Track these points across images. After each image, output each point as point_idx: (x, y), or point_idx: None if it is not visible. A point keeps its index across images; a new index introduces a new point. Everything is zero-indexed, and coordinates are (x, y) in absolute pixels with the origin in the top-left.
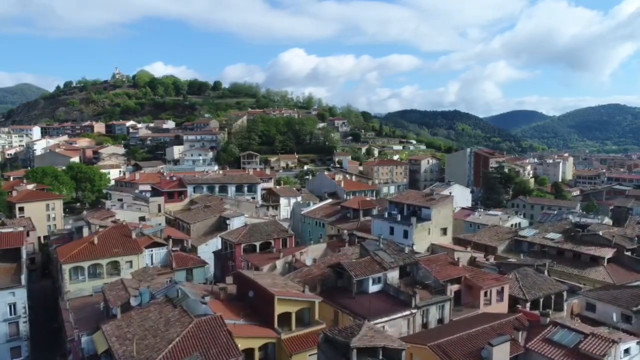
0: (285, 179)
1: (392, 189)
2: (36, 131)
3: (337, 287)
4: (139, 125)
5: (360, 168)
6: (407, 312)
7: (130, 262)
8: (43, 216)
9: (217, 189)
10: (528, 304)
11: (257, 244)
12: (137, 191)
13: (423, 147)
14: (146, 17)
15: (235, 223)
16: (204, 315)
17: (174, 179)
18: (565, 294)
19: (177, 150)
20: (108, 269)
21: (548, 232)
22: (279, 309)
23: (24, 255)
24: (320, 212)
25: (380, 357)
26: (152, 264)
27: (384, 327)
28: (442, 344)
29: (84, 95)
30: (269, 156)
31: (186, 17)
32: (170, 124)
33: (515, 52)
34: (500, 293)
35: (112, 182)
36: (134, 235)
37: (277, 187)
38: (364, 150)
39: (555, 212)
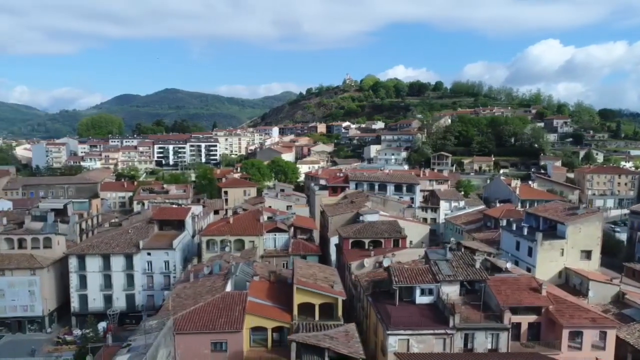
0: (465, 182)
1: (610, 202)
2: (275, 131)
3: (387, 292)
4: (353, 126)
5: (571, 175)
6: (441, 331)
7: (253, 242)
8: (241, 199)
9: (377, 187)
10: None
11: (366, 240)
12: (313, 184)
13: None
14: (391, 24)
15: (368, 219)
16: (242, 290)
17: (341, 175)
18: None
19: (373, 149)
20: (236, 245)
21: None
22: (299, 299)
23: (186, 226)
24: (463, 218)
25: (326, 358)
26: (274, 246)
27: (408, 340)
28: None
29: (318, 100)
30: (463, 158)
31: (429, 18)
32: (379, 125)
33: None
34: (602, 339)
35: (302, 176)
36: (261, 220)
37: (441, 189)
38: (582, 154)
39: None
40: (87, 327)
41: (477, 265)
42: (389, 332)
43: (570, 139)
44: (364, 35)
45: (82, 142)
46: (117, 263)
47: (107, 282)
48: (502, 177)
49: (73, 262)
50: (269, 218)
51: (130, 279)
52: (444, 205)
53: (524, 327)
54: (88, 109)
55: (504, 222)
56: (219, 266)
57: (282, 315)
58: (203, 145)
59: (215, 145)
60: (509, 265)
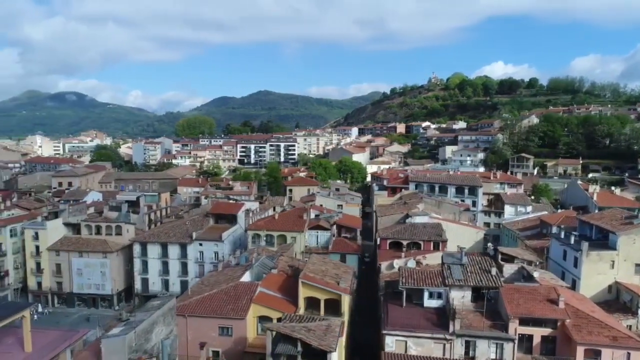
0: (542, 186)
1: None
2: (354, 131)
3: (400, 293)
4: (432, 126)
5: None
6: (440, 336)
7: (295, 237)
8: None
9: (437, 189)
10: None
11: (405, 242)
12: (374, 184)
13: None
14: (489, 17)
15: (416, 221)
16: (257, 280)
17: (402, 176)
18: None
19: (449, 150)
20: (279, 240)
21: None
22: (304, 292)
23: (238, 220)
24: (520, 224)
25: (299, 348)
26: (316, 243)
27: (406, 342)
28: None
29: (401, 100)
30: (547, 160)
31: (532, 10)
32: (460, 125)
33: None
34: None
35: (369, 176)
36: (304, 217)
37: (507, 193)
38: None
39: None
40: None
41: (493, 272)
42: (384, 331)
43: None
44: (458, 32)
45: (176, 141)
46: (174, 251)
47: (165, 269)
48: (579, 182)
49: (137, 249)
50: (316, 216)
51: (184, 267)
52: (508, 209)
53: (537, 340)
54: (190, 111)
55: (554, 229)
56: (245, 258)
57: (287, 307)
58: (282, 145)
59: (294, 145)
60: (536, 274)
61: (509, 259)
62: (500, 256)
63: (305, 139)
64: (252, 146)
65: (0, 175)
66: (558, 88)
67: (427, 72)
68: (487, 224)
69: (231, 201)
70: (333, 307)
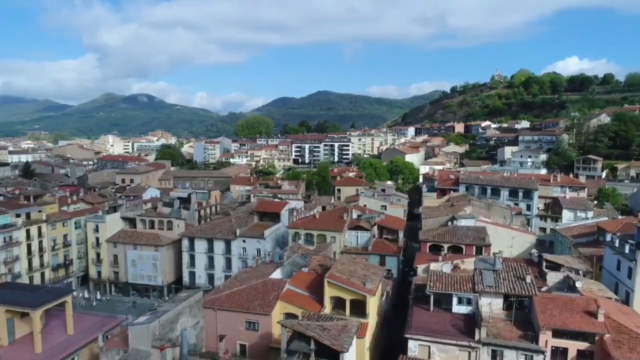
0: (608, 190)
1: None
2: (410, 131)
3: (429, 296)
4: (493, 126)
5: None
6: (465, 343)
7: (334, 237)
8: None
9: (489, 191)
10: None
11: (445, 245)
12: (424, 186)
13: None
14: (562, 10)
15: (462, 224)
16: (288, 278)
17: (452, 177)
18: None
19: (508, 151)
20: (318, 239)
21: None
22: (330, 292)
23: (282, 219)
24: (575, 230)
25: (312, 346)
26: (356, 243)
27: (429, 347)
28: None
29: (461, 99)
30: (617, 162)
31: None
32: (523, 124)
33: None
34: None
35: (421, 177)
36: (344, 217)
37: (567, 197)
38: None
39: None
40: None
41: (528, 279)
42: (406, 335)
43: None
44: (525, 26)
45: (235, 141)
46: (219, 247)
47: (211, 263)
48: None
49: (185, 243)
50: (358, 216)
51: (228, 262)
52: (567, 214)
53: (572, 354)
54: (251, 111)
55: (608, 237)
56: (279, 256)
57: (313, 305)
58: (336, 145)
59: (348, 145)
60: (579, 284)
61: (555, 266)
62: (544, 263)
63: (359, 139)
64: (307, 146)
65: (75, 172)
66: (636, 84)
67: (490, 69)
68: (542, 229)
69: (276, 200)
70: (359, 308)
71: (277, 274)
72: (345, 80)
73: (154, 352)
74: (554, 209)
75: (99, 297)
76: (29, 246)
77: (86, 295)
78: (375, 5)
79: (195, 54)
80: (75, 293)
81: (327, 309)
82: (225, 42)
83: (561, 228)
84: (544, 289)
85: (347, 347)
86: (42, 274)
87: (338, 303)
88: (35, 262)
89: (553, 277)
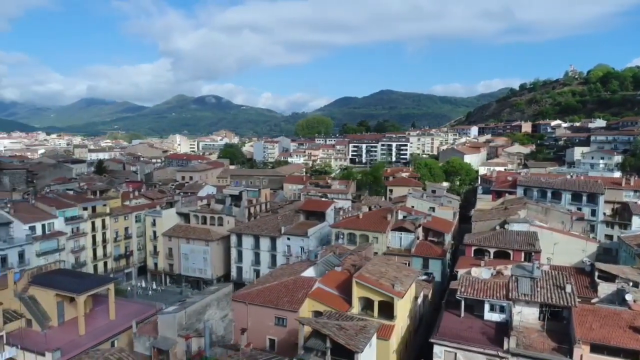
0: None
1: None
2: (473, 130)
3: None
4: (563, 125)
5: None
6: (492, 352)
7: (377, 238)
8: None
9: (549, 195)
10: None
11: (491, 250)
12: (479, 187)
13: None
14: None
15: (514, 228)
16: (320, 276)
17: (510, 179)
18: None
19: (578, 152)
20: (361, 239)
21: None
22: (358, 292)
23: (327, 218)
24: None
25: (328, 344)
26: (400, 245)
27: (455, 354)
28: None
29: (530, 96)
30: None
31: None
32: (598, 123)
33: None
34: None
35: (479, 178)
36: (388, 218)
37: (637, 203)
38: None
39: None
40: None
41: (568, 289)
42: (432, 340)
43: None
44: (604, 18)
45: (294, 140)
46: (264, 244)
47: (257, 259)
48: None
49: (233, 239)
50: (404, 217)
51: (273, 259)
52: (637, 221)
53: None
54: (314, 111)
55: None
56: (315, 254)
57: (341, 304)
58: (394, 144)
59: (406, 145)
60: (629, 297)
61: (610, 277)
62: (597, 273)
63: (418, 139)
64: (364, 146)
65: (143, 169)
66: None
67: (564, 65)
68: (609, 237)
69: (323, 199)
70: (387, 310)
71: (309, 272)
72: (408, 79)
73: (180, 340)
74: (622, 215)
75: (154, 287)
76: (94, 237)
77: (143, 285)
78: (439, 2)
79: (261, 56)
80: (133, 282)
81: (355, 309)
82: (291, 43)
83: (626, 236)
84: (594, 300)
85: (362, 348)
86: (105, 264)
87: (368, 304)
88: (99, 252)
89: (605, 288)
